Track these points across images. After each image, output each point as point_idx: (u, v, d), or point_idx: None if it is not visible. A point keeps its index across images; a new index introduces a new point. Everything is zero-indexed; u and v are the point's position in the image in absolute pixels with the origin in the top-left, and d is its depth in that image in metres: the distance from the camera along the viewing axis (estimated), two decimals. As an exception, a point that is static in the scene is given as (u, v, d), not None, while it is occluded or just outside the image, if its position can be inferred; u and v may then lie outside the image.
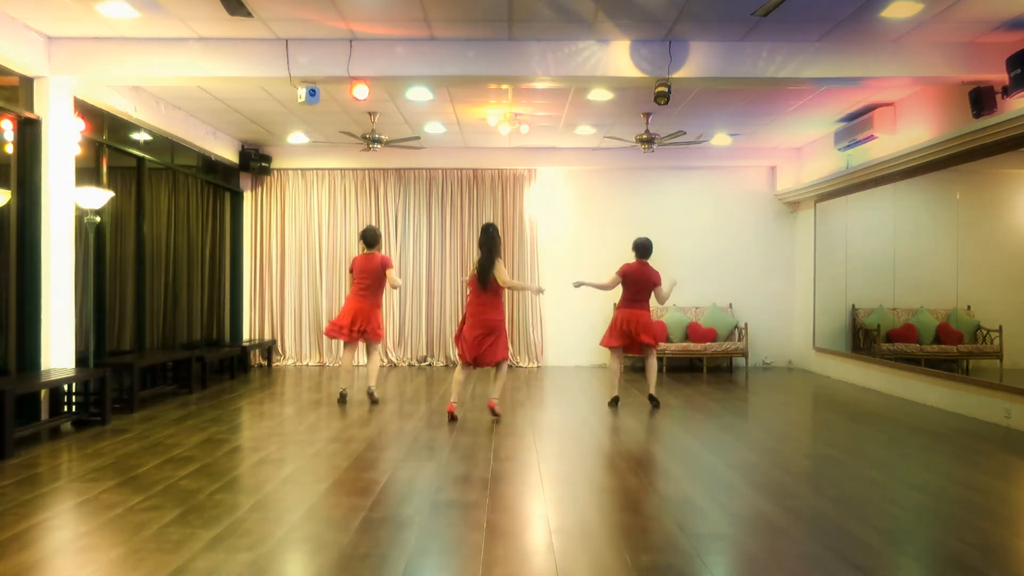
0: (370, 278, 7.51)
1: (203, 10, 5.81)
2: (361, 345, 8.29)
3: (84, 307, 7.03)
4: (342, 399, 7.54)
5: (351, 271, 7.68)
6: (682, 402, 7.88)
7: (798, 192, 10.74)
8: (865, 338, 9.32)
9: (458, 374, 6.78)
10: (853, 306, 9.63)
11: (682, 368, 10.84)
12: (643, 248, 7.57)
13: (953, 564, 3.44)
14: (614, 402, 7.57)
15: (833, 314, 10.11)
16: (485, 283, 6.61)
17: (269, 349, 10.92)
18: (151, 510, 4.03)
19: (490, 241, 6.67)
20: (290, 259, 11.30)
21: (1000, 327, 7.12)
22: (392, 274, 7.52)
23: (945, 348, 7.97)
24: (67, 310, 6.53)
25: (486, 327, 6.61)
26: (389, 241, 11.25)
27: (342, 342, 7.74)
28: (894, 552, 3.65)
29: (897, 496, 4.52)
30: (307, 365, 11.09)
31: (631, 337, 7.37)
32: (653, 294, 7.50)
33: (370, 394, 7.60)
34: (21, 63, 6.13)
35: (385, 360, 11.12)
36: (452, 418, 6.65)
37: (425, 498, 4.32)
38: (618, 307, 7.62)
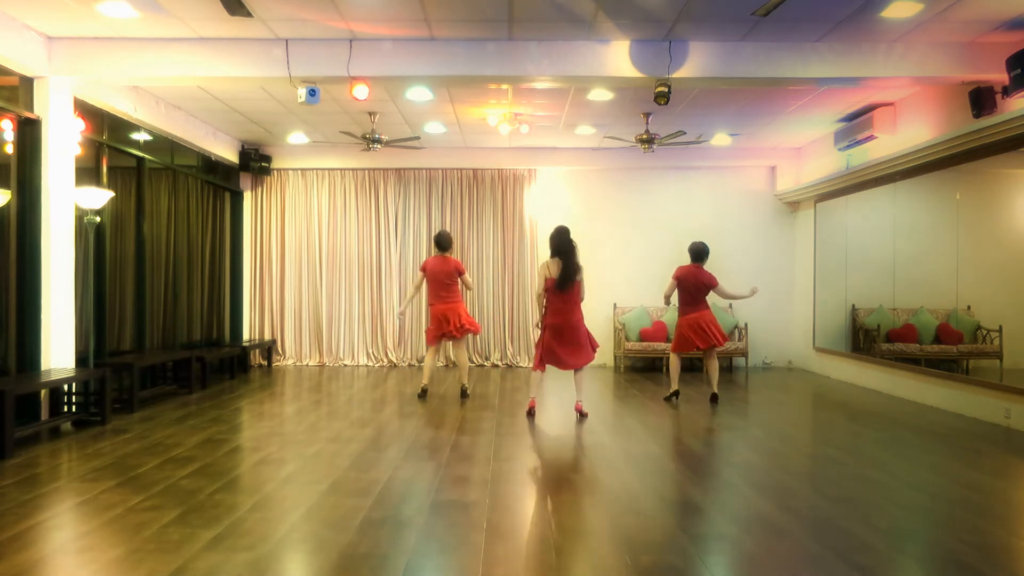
0: (445, 281, 7.86)
1: (203, 10, 5.81)
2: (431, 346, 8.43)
3: (84, 307, 7.03)
4: (423, 395, 7.94)
5: (423, 270, 7.98)
6: (682, 402, 7.88)
7: (798, 192, 10.74)
8: (865, 338, 9.32)
9: (535, 375, 7.06)
10: (853, 306, 9.63)
11: (682, 368, 10.78)
12: (698, 253, 7.78)
13: (953, 564, 3.44)
14: (674, 396, 7.86)
15: (833, 314, 10.11)
16: (567, 286, 6.71)
17: (269, 349, 10.92)
18: (151, 510, 4.03)
19: (569, 246, 6.74)
20: (290, 259, 11.30)
21: (1000, 327, 7.12)
22: (467, 278, 8.05)
23: (945, 348, 7.97)
24: (67, 310, 6.52)
25: (574, 328, 6.80)
26: (389, 241, 11.26)
27: (426, 344, 8.20)
28: (894, 552, 3.65)
29: (897, 496, 4.52)
30: (307, 365, 11.09)
31: (702, 339, 7.61)
32: (714, 293, 7.73)
33: (463, 390, 8.07)
34: (21, 63, 6.13)
35: (385, 360, 11.13)
36: (531, 412, 6.94)
37: (425, 498, 4.32)
38: (680, 314, 7.82)
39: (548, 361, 6.91)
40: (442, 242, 7.98)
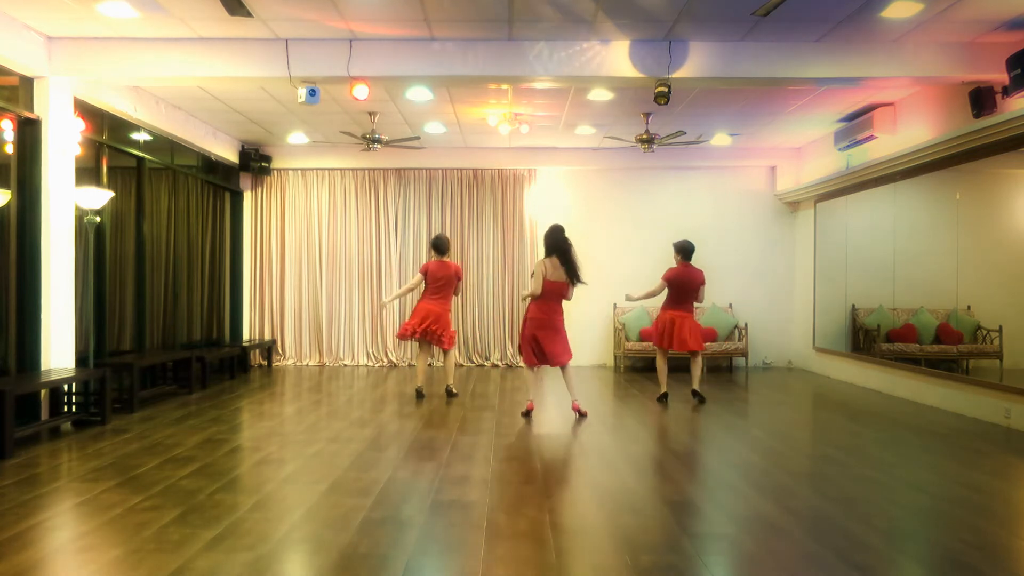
0: (443, 284, 7.92)
1: (203, 10, 5.81)
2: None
3: (84, 307, 7.03)
4: (419, 395, 7.97)
5: (423, 273, 8.01)
6: (681, 402, 7.88)
7: (798, 192, 10.74)
8: (865, 338, 9.32)
9: (531, 374, 7.17)
10: (853, 306, 9.63)
11: (682, 368, 10.82)
12: (686, 251, 7.78)
13: (953, 564, 3.44)
14: (663, 398, 7.81)
15: (833, 314, 10.11)
16: (576, 283, 6.84)
17: (269, 349, 10.92)
18: (151, 510, 4.03)
19: (565, 244, 6.80)
20: (290, 259, 11.30)
21: (1000, 327, 7.12)
22: (460, 284, 8.14)
23: (945, 348, 7.97)
24: (67, 310, 6.52)
25: (556, 328, 6.89)
26: (389, 241, 11.26)
27: (417, 344, 8.19)
28: (894, 552, 3.65)
29: (897, 496, 4.52)
30: (307, 365, 11.09)
31: (677, 339, 7.60)
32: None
33: (448, 390, 8.09)
34: (21, 63, 6.12)
35: (385, 360, 11.13)
36: (528, 413, 6.95)
37: (425, 498, 4.32)
38: (663, 308, 7.84)
39: (534, 355, 6.91)
40: (441, 246, 8.01)
